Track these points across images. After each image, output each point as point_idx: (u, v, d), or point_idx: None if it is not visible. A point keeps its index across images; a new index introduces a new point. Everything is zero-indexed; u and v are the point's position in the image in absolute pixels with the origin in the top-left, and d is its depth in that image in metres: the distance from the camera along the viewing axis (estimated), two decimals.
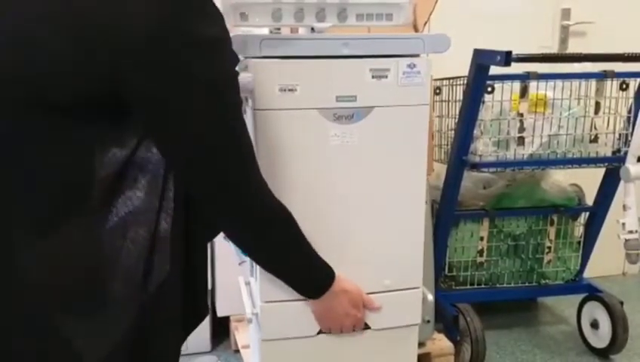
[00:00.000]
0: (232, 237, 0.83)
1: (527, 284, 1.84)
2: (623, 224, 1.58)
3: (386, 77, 0.99)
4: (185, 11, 0.65)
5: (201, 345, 1.79)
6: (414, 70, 1.00)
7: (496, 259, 1.81)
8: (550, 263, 1.84)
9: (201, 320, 0.86)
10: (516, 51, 1.40)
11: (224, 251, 1.51)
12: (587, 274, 1.90)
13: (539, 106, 1.59)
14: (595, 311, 1.81)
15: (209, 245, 0.95)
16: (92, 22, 0.63)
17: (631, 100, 1.63)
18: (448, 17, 1.72)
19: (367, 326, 1.05)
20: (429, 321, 1.57)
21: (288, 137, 0.98)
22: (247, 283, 1.17)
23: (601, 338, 1.78)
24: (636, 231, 1.58)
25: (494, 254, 1.81)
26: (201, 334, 1.78)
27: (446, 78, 1.77)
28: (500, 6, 2.00)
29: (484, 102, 1.57)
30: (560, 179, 1.84)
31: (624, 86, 1.61)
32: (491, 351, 1.78)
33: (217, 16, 0.70)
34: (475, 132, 1.60)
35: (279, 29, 1.23)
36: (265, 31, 1.17)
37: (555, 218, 1.81)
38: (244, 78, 0.95)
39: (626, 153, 1.61)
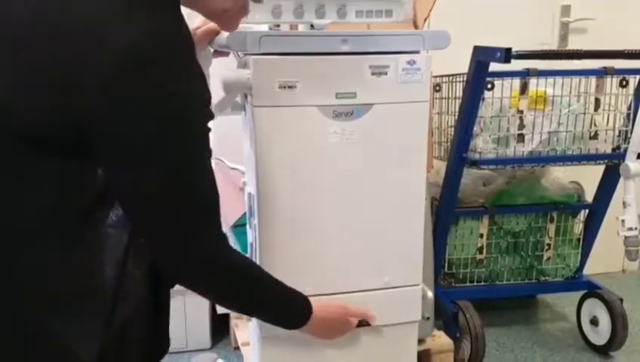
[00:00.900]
0: (193, 290, 0.79)
1: (526, 281, 1.84)
2: (623, 221, 1.58)
3: (386, 74, 0.99)
4: (156, 63, 0.63)
5: (200, 343, 1.79)
6: (414, 67, 1.00)
7: (495, 256, 1.81)
8: (550, 260, 1.84)
9: (164, 354, 0.85)
10: (516, 48, 1.40)
11: None
12: (587, 271, 1.90)
13: (539, 103, 1.59)
14: (594, 308, 1.81)
15: None
16: (58, 61, 0.62)
17: (631, 97, 1.63)
18: (448, 14, 1.71)
19: (367, 324, 1.05)
20: (428, 318, 1.57)
21: (287, 134, 0.98)
22: None
23: (600, 335, 1.79)
24: (636, 228, 1.58)
25: (494, 251, 1.81)
26: (201, 331, 1.78)
27: (446, 75, 1.77)
28: (500, 2, 1.99)
29: (483, 99, 1.57)
30: (560, 176, 1.84)
31: (624, 83, 1.61)
32: (491, 348, 1.79)
33: (193, 72, 0.68)
34: (475, 129, 1.59)
35: (279, 26, 1.23)
36: (264, 28, 1.17)
37: (554, 215, 1.81)
38: (242, 74, 0.95)
39: (625, 150, 1.61)
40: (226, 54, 1.08)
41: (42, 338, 0.66)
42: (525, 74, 1.56)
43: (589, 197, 1.85)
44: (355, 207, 1.04)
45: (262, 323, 1.04)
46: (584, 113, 1.61)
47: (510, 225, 1.80)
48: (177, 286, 0.81)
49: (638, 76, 1.61)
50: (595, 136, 1.64)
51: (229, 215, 1.47)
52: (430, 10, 1.58)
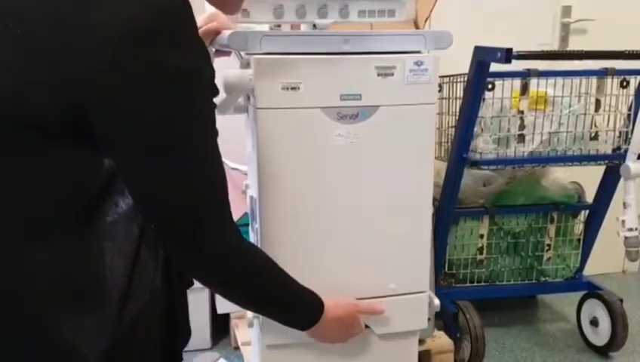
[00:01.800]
0: (204, 284, 0.76)
1: (526, 282, 1.84)
2: (623, 221, 1.58)
3: (392, 75, 0.97)
4: (156, 38, 0.61)
5: (201, 342, 1.79)
6: (421, 68, 0.98)
7: (496, 257, 1.81)
8: (550, 261, 1.84)
9: (183, 346, 0.83)
10: (517, 48, 1.40)
11: None
12: (587, 271, 1.90)
13: (539, 104, 1.59)
14: (594, 308, 1.81)
15: None
16: (57, 42, 0.60)
17: (631, 98, 1.63)
18: (449, 14, 1.72)
19: (366, 326, 1.03)
20: (429, 319, 1.57)
21: (291, 137, 0.96)
22: None
23: (600, 335, 1.79)
24: (636, 229, 1.58)
25: (494, 252, 1.81)
26: (202, 331, 1.78)
27: (446, 76, 1.77)
28: (501, 3, 1.99)
29: (484, 100, 1.57)
30: (560, 176, 1.84)
31: (625, 83, 1.61)
32: (491, 348, 1.79)
33: (194, 47, 0.66)
34: (476, 129, 1.59)
35: (280, 25, 1.23)
36: (266, 28, 1.17)
37: (555, 215, 1.81)
38: (244, 75, 0.94)
39: (626, 151, 1.61)
40: (228, 54, 1.07)
41: (45, 338, 0.65)
42: (526, 74, 1.56)
43: (590, 197, 1.85)
44: (361, 212, 1.01)
45: (264, 330, 1.02)
46: (585, 114, 1.61)
47: (510, 225, 1.80)
48: None
49: (638, 77, 1.62)
50: (595, 137, 1.65)
51: None
52: (431, 11, 1.58)
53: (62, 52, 0.60)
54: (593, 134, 1.64)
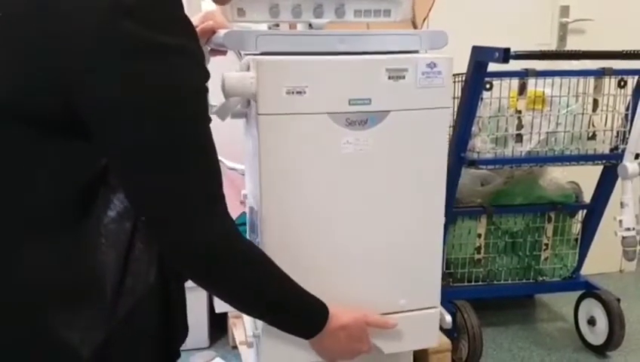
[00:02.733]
0: (195, 282, 0.72)
1: (524, 281, 1.84)
2: (620, 221, 1.58)
3: (404, 78, 0.92)
4: (142, 15, 0.59)
5: (198, 341, 1.79)
6: (434, 70, 0.93)
7: (493, 256, 1.81)
8: (547, 260, 1.84)
9: (180, 342, 0.81)
10: (515, 48, 1.40)
11: None
12: (584, 271, 1.90)
13: (537, 103, 1.59)
14: (592, 308, 1.81)
15: None
16: (41, 28, 0.59)
17: (629, 98, 1.63)
18: (447, 14, 1.72)
19: None
20: None
21: (295, 145, 0.90)
22: None
23: (597, 335, 1.79)
24: (633, 229, 1.58)
25: (492, 251, 1.81)
26: (199, 330, 1.78)
27: None
28: (499, 3, 1.99)
29: (482, 99, 1.57)
30: (558, 176, 1.84)
31: (622, 83, 1.61)
32: (488, 347, 1.79)
33: (180, 24, 0.64)
34: (474, 129, 1.59)
35: (278, 25, 1.23)
36: (264, 27, 1.16)
37: (552, 215, 1.81)
38: (245, 78, 0.89)
39: (623, 150, 1.61)
40: (224, 53, 1.07)
41: (39, 333, 0.65)
42: (524, 74, 1.56)
43: (587, 197, 1.85)
44: (370, 225, 0.95)
45: (263, 350, 0.97)
46: (582, 113, 1.61)
47: (508, 224, 1.80)
48: None
49: (636, 77, 1.62)
50: (593, 137, 1.65)
51: None
52: (429, 11, 1.58)
53: (43, 39, 0.59)
54: (591, 134, 1.64)
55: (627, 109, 1.64)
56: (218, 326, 1.85)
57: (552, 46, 2.13)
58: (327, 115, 0.90)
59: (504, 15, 1.99)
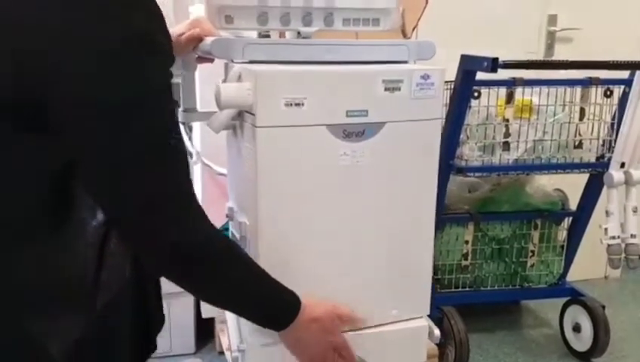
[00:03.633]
0: (167, 277, 0.71)
1: (510, 287, 1.86)
2: (606, 229, 1.60)
3: (399, 89, 0.92)
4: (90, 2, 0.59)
5: (185, 347, 1.78)
6: (428, 82, 0.93)
7: (480, 263, 1.82)
8: (533, 267, 1.86)
9: (156, 334, 0.81)
10: (503, 57, 1.41)
11: None
12: (570, 277, 1.92)
13: (524, 112, 1.60)
14: (577, 314, 1.82)
15: None
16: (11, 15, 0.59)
17: (615, 107, 1.65)
18: (436, 23, 1.72)
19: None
20: None
21: (294, 158, 0.89)
22: None
23: (583, 341, 1.80)
24: (618, 237, 1.60)
25: (479, 257, 1.82)
26: (186, 336, 1.77)
27: None
28: (488, 12, 2.01)
29: (470, 107, 1.58)
30: (544, 183, 1.85)
31: (608, 93, 1.63)
32: (475, 353, 1.79)
33: (147, 8, 0.63)
34: (462, 136, 1.60)
35: (269, 33, 1.22)
36: (254, 35, 1.16)
37: (538, 222, 1.82)
38: (242, 89, 0.86)
39: (609, 159, 1.63)
40: (210, 60, 1.07)
41: (12, 337, 0.65)
42: (511, 83, 1.57)
43: (573, 205, 1.87)
44: (367, 236, 0.94)
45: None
46: (569, 122, 1.63)
47: (495, 231, 1.81)
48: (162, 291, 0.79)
49: (622, 86, 1.64)
50: (579, 145, 1.66)
51: (214, 220, 1.45)
52: (418, 20, 1.59)
53: (14, 28, 0.59)
54: (577, 142, 1.66)
55: (613, 118, 1.66)
56: (205, 332, 1.84)
57: (540, 54, 2.15)
58: (325, 127, 0.89)
59: (493, 23, 2.00)
